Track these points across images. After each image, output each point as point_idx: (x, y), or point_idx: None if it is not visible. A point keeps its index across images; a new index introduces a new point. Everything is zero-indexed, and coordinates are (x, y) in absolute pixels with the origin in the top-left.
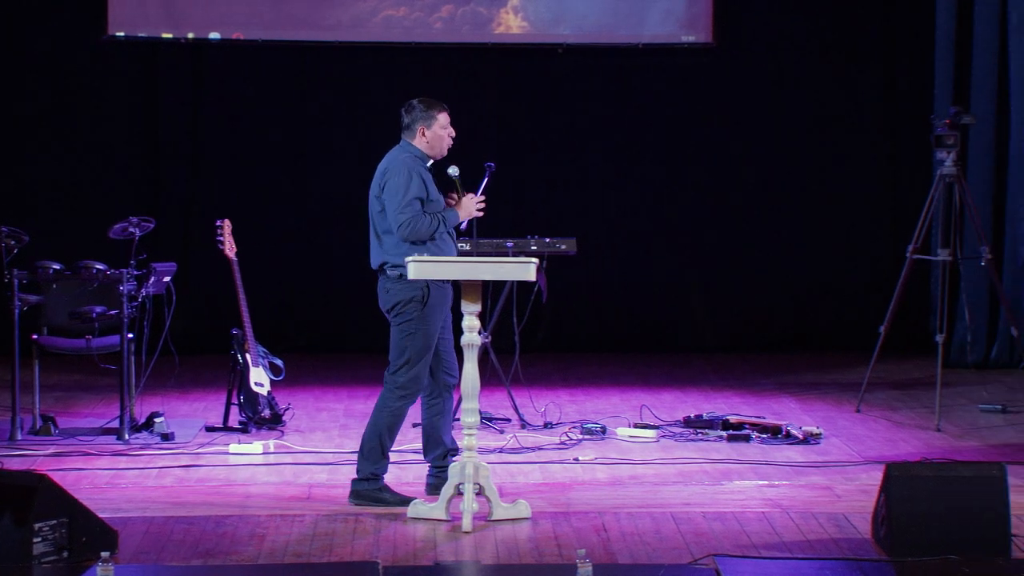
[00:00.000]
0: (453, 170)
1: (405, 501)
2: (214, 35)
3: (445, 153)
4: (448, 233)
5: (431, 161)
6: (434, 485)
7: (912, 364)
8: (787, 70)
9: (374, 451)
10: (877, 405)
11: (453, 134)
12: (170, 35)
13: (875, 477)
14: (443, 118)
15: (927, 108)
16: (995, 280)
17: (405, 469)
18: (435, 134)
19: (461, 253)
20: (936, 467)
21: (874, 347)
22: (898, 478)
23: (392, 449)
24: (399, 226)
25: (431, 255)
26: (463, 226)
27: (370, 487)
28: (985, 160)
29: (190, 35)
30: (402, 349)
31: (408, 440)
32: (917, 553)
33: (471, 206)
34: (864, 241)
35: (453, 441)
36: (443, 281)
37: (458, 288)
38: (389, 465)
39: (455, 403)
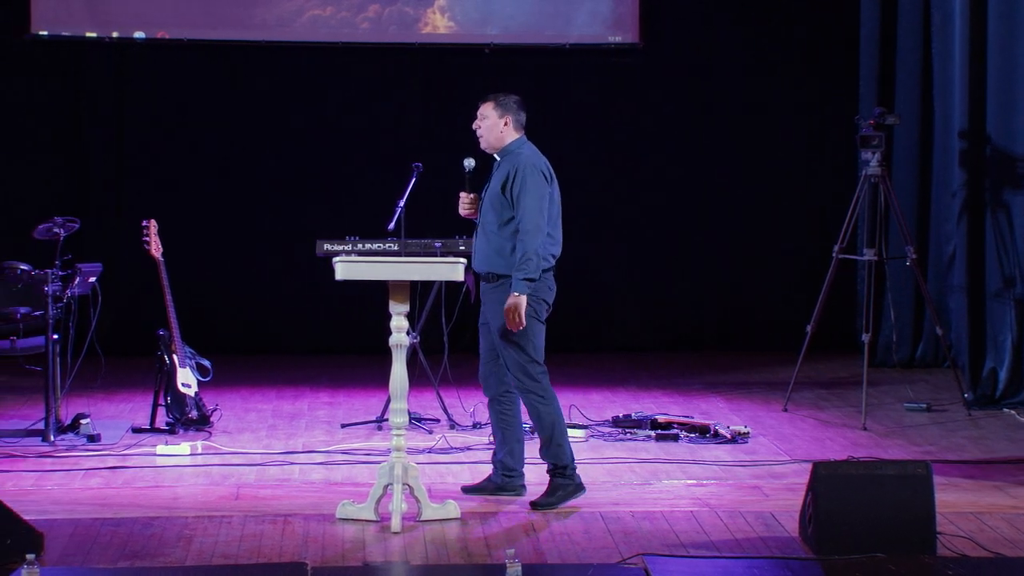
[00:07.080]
0: (468, 162)
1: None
2: (139, 34)
3: (484, 146)
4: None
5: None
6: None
7: (838, 363)
8: (714, 70)
9: None
10: (804, 404)
11: (478, 125)
12: (94, 34)
13: (802, 476)
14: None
15: (852, 108)
16: (920, 280)
17: (333, 470)
18: None
19: (389, 254)
20: (862, 466)
21: (801, 346)
22: (825, 477)
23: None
24: None
25: None
26: (390, 226)
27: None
28: (910, 160)
29: (115, 34)
30: None
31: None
32: (844, 551)
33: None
34: (791, 241)
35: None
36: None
37: (387, 289)
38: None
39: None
